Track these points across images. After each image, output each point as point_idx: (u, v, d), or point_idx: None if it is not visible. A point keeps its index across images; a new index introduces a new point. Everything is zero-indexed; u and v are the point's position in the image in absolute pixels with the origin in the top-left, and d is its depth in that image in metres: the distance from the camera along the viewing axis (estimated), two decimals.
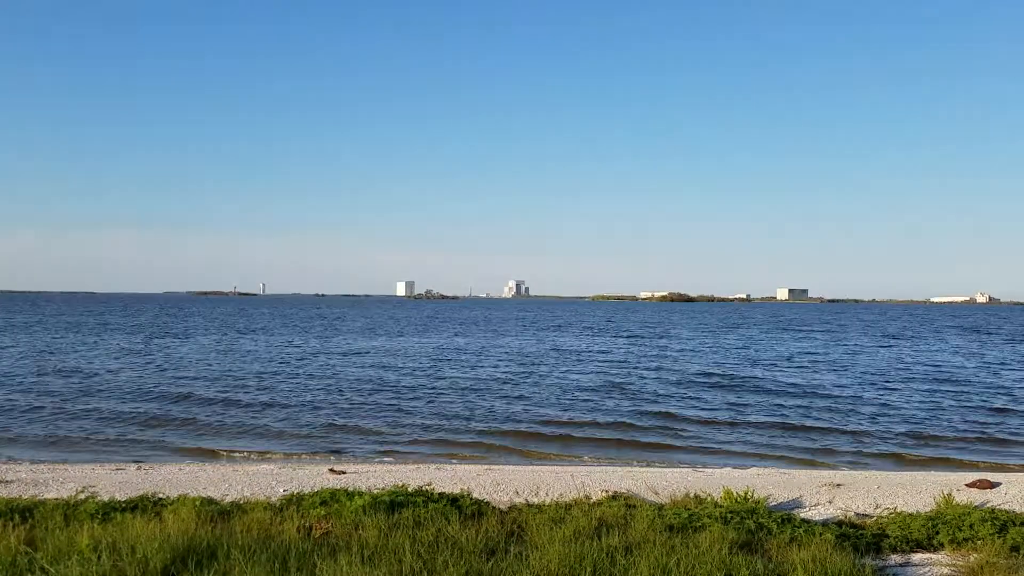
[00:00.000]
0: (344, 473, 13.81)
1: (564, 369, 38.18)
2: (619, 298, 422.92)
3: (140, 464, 15.86)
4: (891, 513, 10.03)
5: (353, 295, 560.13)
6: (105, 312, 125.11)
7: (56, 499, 9.75)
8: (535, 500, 10.87)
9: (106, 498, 10.01)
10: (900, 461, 18.18)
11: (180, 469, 14.82)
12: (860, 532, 8.83)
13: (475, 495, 10.45)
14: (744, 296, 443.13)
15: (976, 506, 10.02)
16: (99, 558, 6.58)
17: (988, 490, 12.26)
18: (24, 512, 8.73)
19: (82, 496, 9.93)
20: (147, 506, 9.30)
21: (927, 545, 8.60)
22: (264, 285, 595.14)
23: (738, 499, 10.13)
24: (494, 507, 9.67)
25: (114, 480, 12.77)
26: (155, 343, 53.43)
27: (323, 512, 8.99)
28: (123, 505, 9.32)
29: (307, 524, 8.34)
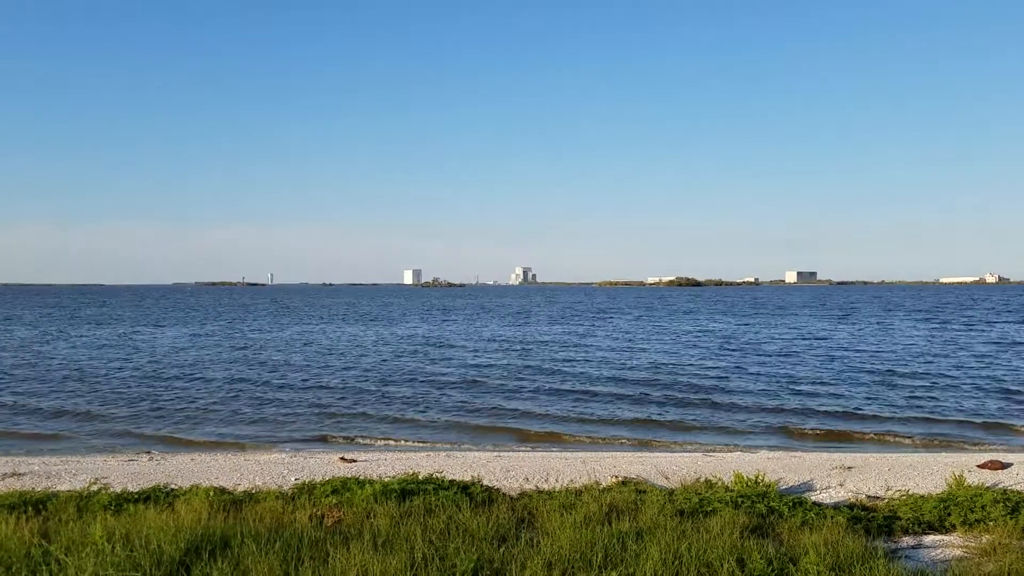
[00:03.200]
0: (355, 462, 13.84)
1: (560, 355, 38.23)
2: (627, 284, 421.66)
3: (152, 454, 15.94)
4: (902, 495, 10.01)
5: (361, 284, 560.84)
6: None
7: (69, 491, 9.79)
8: (545, 486, 10.89)
9: (118, 489, 10.06)
10: (910, 443, 18.12)
11: (192, 459, 14.88)
12: (872, 515, 8.81)
13: (485, 482, 10.48)
14: (752, 280, 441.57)
15: (988, 487, 9.98)
16: (113, 549, 6.61)
17: (999, 471, 12.22)
18: (37, 504, 8.79)
19: (95, 488, 9.98)
20: (159, 497, 9.35)
21: (939, 527, 8.58)
22: (272, 275, 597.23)
23: (749, 483, 10.12)
24: (504, 494, 9.69)
25: (126, 471, 12.83)
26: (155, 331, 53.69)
27: (335, 501, 9.02)
28: (136, 496, 9.36)
29: (319, 513, 8.37)
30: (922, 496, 9.63)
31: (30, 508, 8.59)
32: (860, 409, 22.16)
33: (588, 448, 17.37)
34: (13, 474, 12.42)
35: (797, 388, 26.23)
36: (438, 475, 10.50)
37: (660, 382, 27.89)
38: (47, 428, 20.24)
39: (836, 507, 9.01)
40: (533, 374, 30.56)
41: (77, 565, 6.29)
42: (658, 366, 32.99)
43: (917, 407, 22.49)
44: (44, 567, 6.37)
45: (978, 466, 12.59)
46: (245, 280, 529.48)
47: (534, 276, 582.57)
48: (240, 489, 10.33)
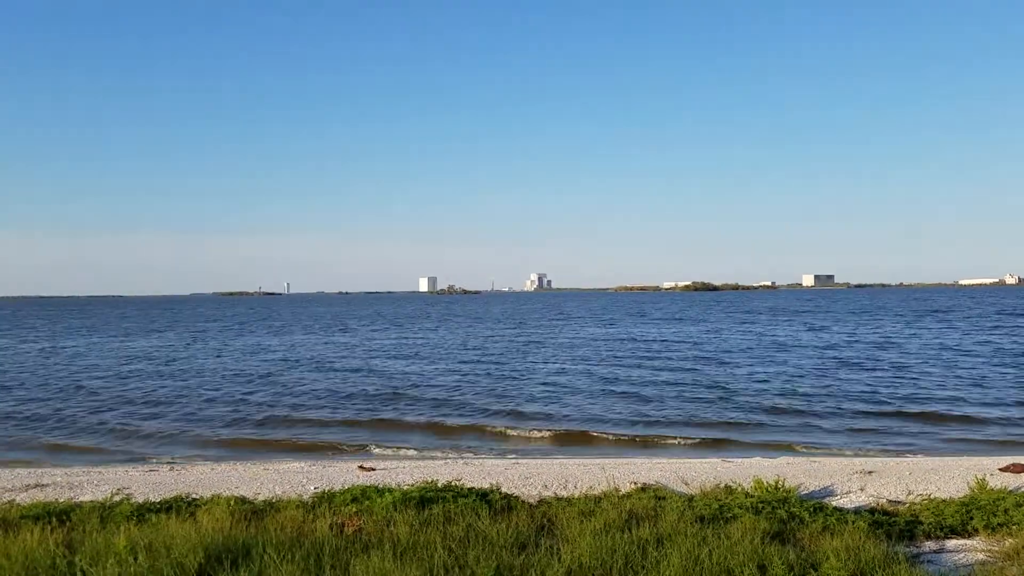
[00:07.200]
0: (373, 470, 13.89)
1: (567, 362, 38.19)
2: (642, 288, 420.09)
3: (172, 465, 16.06)
4: (924, 499, 9.93)
5: (376, 292, 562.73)
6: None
7: (92, 501, 9.89)
8: (564, 493, 10.88)
9: (141, 499, 10.15)
10: (930, 446, 17.98)
11: (212, 469, 14.98)
12: (893, 519, 8.74)
13: (504, 489, 10.48)
14: (769, 284, 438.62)
15: (1010, 491, 9.87)
16: (136, 559, 6.68)
17: (1022, 474, 12.09)
18: (61, 515, 8.87)
19: (117, 498, 10.07)
20: (181, 507, 9.42)
21: (961, 531, 8.51)
22: (288, 284, 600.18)
23: (769, 489, 10.06)
24: (523, 501, 9.69)
25: (148, 481, 12.93)
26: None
27: (354, 509, 9.06)
28: (157, 506, 9.44)
29: (339, 521, 8.40)
30: (944, 500, 9.55)
31: (54, 519, 8.68)
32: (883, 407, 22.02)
33: (606, 455, 17.36)
34: (37, 485, 12.55)
35: (817, 392, 26.10)
36: (457, 483, 10.52)
37: (684, 381, 27.82)
38: (70, 440, 20.44)
39: (857, 512, 8.95)
40: (551, 378, 30.56)
41: (101, 575, 6.35)
42: (685, 371, 32.91)
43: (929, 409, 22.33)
44: None
45: (1000, 469, 12.46)
46: (262, 290, 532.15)
47: (549, 282, 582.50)
48: (260, 498, 10.39)
